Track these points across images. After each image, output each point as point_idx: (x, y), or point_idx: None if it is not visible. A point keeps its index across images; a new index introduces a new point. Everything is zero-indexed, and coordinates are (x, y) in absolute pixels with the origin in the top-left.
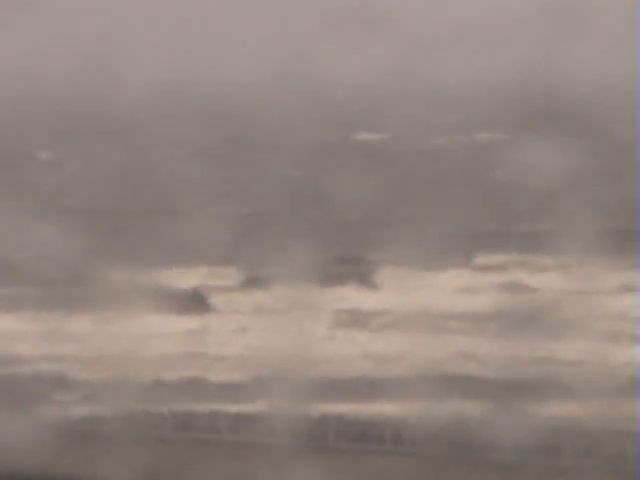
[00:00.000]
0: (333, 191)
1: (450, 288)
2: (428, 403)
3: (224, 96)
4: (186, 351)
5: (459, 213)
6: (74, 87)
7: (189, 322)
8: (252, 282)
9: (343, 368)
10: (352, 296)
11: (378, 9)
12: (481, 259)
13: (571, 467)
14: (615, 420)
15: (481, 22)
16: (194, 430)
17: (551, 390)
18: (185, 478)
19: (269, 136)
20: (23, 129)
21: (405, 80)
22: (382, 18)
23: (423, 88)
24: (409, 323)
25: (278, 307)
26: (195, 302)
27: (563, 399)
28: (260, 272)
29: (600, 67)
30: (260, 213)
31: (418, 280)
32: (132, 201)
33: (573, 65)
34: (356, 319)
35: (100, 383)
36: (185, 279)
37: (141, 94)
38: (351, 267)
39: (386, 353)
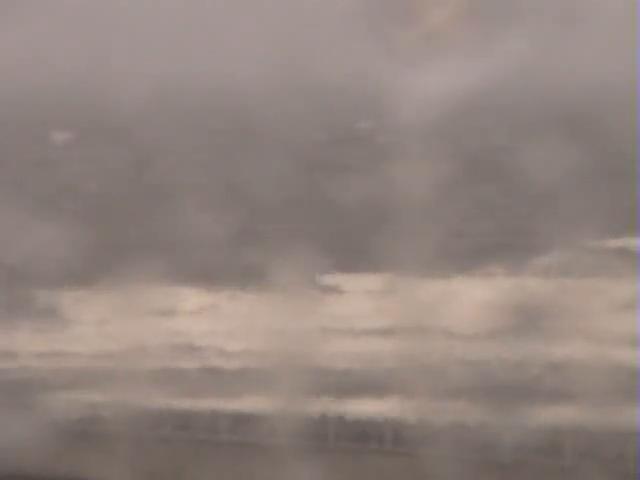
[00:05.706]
0: (333, 190)
1: (450, 291)
2: (428, 403)
3: (224, 96)
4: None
5: (458, 216)
6: (74, 87)
7: (189, 323)
8: (252, 283)
9: (341, 370)
10: (350, 299)
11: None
12: (480, 261)
13: (571, 467)
14: (615, 421)
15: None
16: (194, 430)
17: (551, 391)
18: (185, 478)
19: (269, 136)
20: (22, 129)
21: (404, 80)
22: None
23: (422, 87)
24: (409, 326)
25: (277, 309)
26: (196, 304)
27: (563, 400)
28: (260, 274)
29: (599, 67)
30: (261, 213)
31: (417, 285)
32: (132, 201)
33: (572, 65)
34: (354, 323)
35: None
36: (184, 279)
37: (141, 94)
38: (347, 270)
39: (385, 355)
